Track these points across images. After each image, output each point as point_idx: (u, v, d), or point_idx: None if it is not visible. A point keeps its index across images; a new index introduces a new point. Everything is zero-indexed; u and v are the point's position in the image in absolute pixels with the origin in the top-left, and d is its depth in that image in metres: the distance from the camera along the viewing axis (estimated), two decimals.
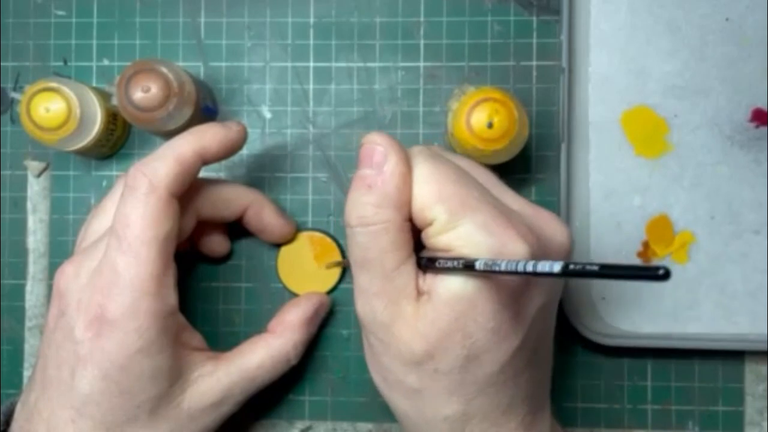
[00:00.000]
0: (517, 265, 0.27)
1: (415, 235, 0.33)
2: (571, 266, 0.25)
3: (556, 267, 0.26)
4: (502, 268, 0.28)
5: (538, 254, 0.31)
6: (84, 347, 0.33)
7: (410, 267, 0.32)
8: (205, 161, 0.36)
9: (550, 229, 0.33)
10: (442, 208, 0.31)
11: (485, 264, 0.29)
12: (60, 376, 0.34)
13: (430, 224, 0.32)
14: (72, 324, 0.34)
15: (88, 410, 0.34)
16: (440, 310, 0.31)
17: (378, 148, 0.32)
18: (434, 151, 0.34)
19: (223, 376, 0.37)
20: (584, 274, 0.25)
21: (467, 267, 0.30)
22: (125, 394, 0.34)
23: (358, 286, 0.33)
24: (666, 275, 0.22)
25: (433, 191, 0.31)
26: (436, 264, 0.31)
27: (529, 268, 0.26)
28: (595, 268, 0.24)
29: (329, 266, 0.43)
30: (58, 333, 0.34)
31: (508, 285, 0.30)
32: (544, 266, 0.26)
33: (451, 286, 0.30)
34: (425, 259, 0.32)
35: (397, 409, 0.34)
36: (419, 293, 0.32)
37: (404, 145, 0.33)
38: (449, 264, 0.30)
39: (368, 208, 0.31)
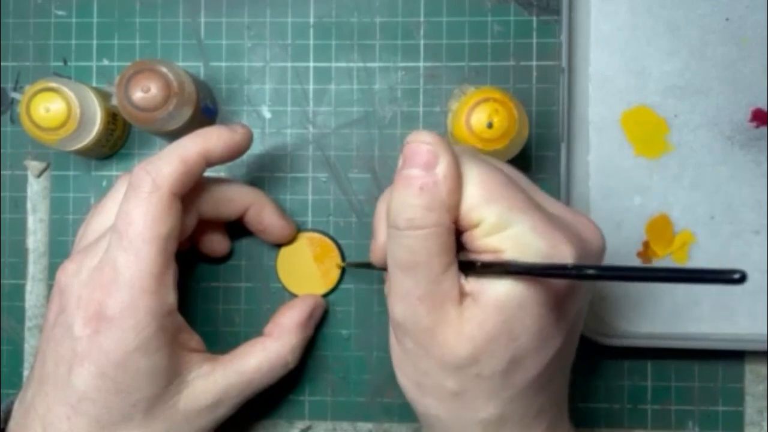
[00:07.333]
0: (581, 269, 0.27)
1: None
2: (640, 270, 0.24)
3: (624, 271, 0.26)
4: (560, 271, 0.27)
5: (582, 258, 0.30)
6: (81, 344, 0.33)
7: (455, 270, 0.31)
8: (210, 163, 0.36)
9: (588, 233, 0.32)
10: (491, 209, 0.30)
11: (540, 267, 0.28)
12: (57, 373, 0.34)
13: (476, 226, 0.31)
14: (71, 321, 0.34)
15: (84, 407, 0.34)
16: (489, 313, 0.30)
17: (426, 146, 0.30)
18: (473, 153, 0.33)
19: (220, 378, 0.37)
20: (652, 278, 0.25)
21: (520, 270, 0.29)
22: (121, 393, 0.34)
23: (399, 289, 0.31)
24: (742, 279, 0.21)
25: (482, 193, 0.30)
26: (479, 266, 0.30)
27: (591, 272, 0.26)
28: (664, 272, 0.24)
29: (340, 266, 0.43)
30: (57, 329, 0.34)
31: (554, 288, 0.30)
32: (605, 270, 0.26)
33: (500, 288, 0.30)
34: (479, 262, 0.31)
35: (427, 412, 0.33)
36: (462, 296, 0.31)
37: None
38: (504, 267, 0.30)
39: (418, 211, 0.30)
